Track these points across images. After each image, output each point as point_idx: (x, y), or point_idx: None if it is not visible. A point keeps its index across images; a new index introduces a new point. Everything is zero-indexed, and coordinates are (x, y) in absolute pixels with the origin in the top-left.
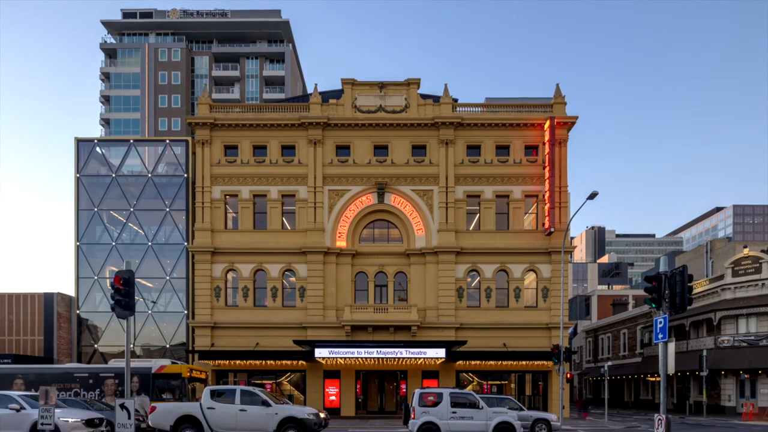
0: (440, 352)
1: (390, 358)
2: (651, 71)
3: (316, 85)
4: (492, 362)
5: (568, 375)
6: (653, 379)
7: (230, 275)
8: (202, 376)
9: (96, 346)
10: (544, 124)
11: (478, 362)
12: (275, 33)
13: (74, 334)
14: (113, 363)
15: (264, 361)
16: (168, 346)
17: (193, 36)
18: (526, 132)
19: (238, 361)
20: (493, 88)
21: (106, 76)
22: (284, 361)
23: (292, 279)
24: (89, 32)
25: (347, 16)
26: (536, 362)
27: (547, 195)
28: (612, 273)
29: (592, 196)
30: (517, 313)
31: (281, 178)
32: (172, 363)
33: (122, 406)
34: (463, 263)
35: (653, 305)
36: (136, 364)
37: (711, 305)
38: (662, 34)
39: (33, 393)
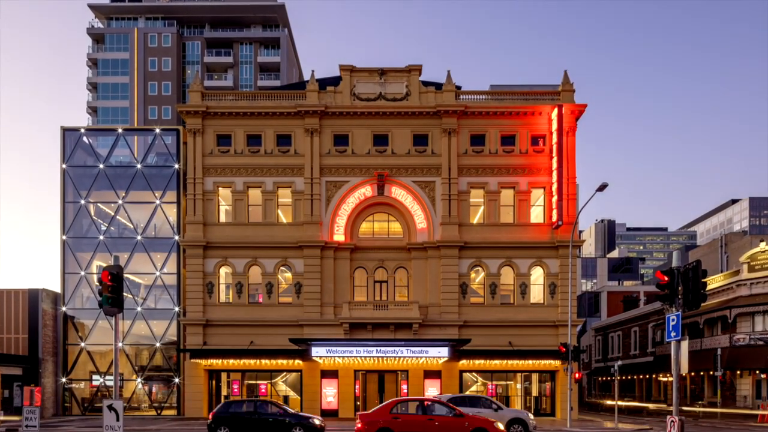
0: (443, 351)
1: (390, 357)
2: (663, 59)
3: (312, 71)
4: (497, 362)
5: (577, 375)
6: (665, 379)
7: (223, 270)
8: None
9: (83, 344)
10: (552, 112)
11: (482, 361)
12: (270, 17)
13: (60, 332)
14: None
15: (259, 361)
16: (158, 344)
17: (185, 20)
18: (533, 121)
19: (231, 361)
20: (498, 75)
21: (93, 63)
22: (279, 361)
23: (288, 274)
24: (76, 16)
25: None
26: (543, 361)
27: (554, 186)
28: (622, 268)
29: (602, 187)
30: (523, 310)
31: (277, 169)
32: None
33: (110, 408)
34: (467, 258)
35: (666, 302)
36: None
37: (726, 302)
38: (675, 20)
39: None
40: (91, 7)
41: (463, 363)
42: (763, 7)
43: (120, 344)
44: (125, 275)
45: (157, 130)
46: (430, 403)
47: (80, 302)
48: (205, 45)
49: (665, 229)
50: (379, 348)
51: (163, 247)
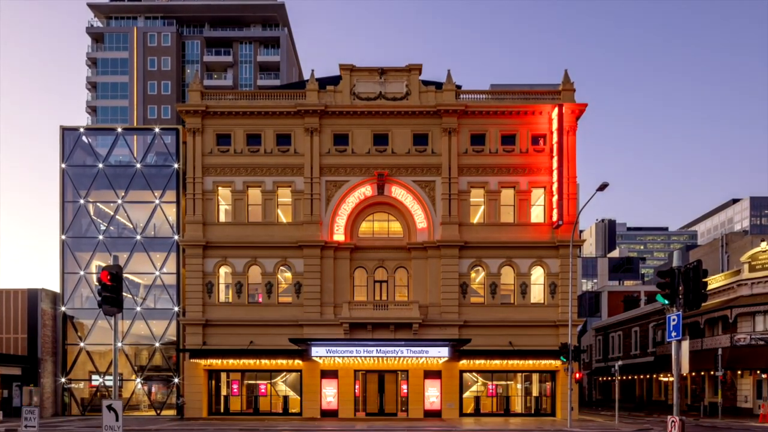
0: (443, 351)
1: (390, 357)
2: (664, 58)
3: (312, 71)
4: (497, 362)
5: (578, 375)
6: (666, 379)
7: (223, 270)
8: None
9: (82, 344)
10: (552, 112)
11: (482, 361)
12: (270, 16)
13: (59, 332)
14: None
15: (258, 361)
16: (158, 344)
17: (184, 19)
18: (533, 120)
19: (230, 361)
20: (498, 75)
21: (92, 62)
22: (279, 361)
23: (288, 274)
24: (75, 15)
25: None
26: (544, 361)
27: (555, 186)
28: (623, 268)
29: (602, 187)
30: (524, 310)
31: (276, 169)
32: None
33: (110, 408)
34: (467, 258)
35: (666, 302)
36: None
37: (727, 302)
38: (676, 19)
39: None
40: (91, 6)
41: (464, 363)
42: (764, 6)
43: (119, 344)
44: (125, 275)
45: (157, 130)
46: None
47: (79, 302)
48: (205, 44)
49: (666, 229)
50: (379, 348)
51: (163, 247)
